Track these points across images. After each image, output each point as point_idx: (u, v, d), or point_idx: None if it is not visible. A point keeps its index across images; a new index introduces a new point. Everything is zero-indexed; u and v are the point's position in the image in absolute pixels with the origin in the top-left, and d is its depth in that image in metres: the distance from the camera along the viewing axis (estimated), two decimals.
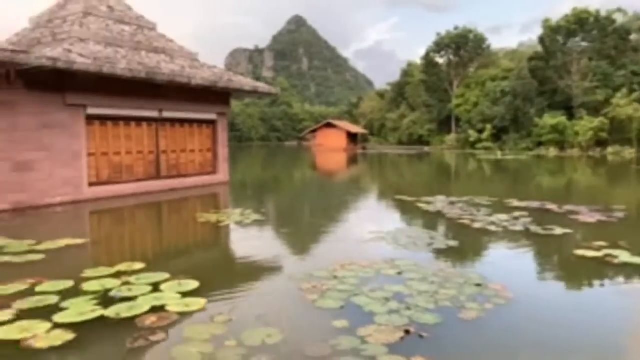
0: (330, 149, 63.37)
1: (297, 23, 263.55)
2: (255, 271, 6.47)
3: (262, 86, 18.34)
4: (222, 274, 6.37)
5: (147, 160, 14.60)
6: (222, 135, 17.29)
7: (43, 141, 11.73)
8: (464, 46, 69.16)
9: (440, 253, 7.08)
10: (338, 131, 69.15)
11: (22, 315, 4.45)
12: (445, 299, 4.95)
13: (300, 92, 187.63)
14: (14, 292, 5.09)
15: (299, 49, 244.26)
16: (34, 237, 7.87)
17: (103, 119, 13.28)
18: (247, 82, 17.32)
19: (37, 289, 5.22)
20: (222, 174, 17.27)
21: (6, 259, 6.51)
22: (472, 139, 60.22)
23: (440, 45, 71.11)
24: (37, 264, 6.37)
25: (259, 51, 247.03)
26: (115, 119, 13.63)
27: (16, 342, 3.89)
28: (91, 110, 12.82)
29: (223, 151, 17.31)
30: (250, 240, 8.55)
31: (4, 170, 10.88)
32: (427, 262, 6.54)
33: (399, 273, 5.89)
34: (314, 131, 75.86)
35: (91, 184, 12.88)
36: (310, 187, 20.63)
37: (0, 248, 7.09)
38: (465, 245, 7.79)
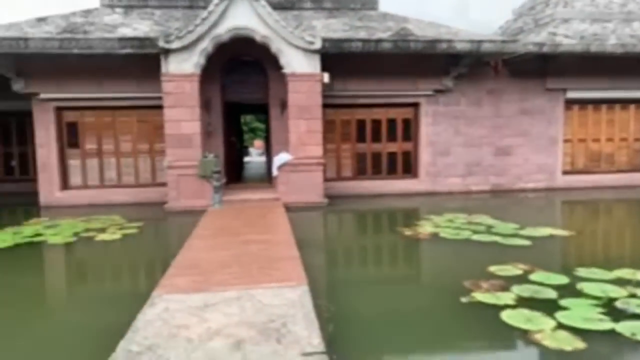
0: None
1: None
2: None
3: None
4: None
5: (631, 148, 12.53)
6: None
7: (521, 127, 11.97)
8: None
9: None
10: None
11: (522, 302, 4.32)
12: None
13: None
14: (510, 275, 5.11)
15: None
16: (515, 220, 7.98)
17: (583, 102, 12.26)
18: None
19: (531, 277, 5.05)
20: None
21: (496, 238, 6.80)
22: None
23: None
24: (524, 249, 6.30)
25: None
26: (596, 102, 12.32)
27: (522, 332, 3.74)
28: (571, 94, 12.05)
29: None
30: None
31: (488, 154, 11.82)
32: None
33: None
34: None
35: (565, 172, 12.23)
36: None
37: (489, 227, 7.55)
38: None
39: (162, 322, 3.44)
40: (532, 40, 10.99)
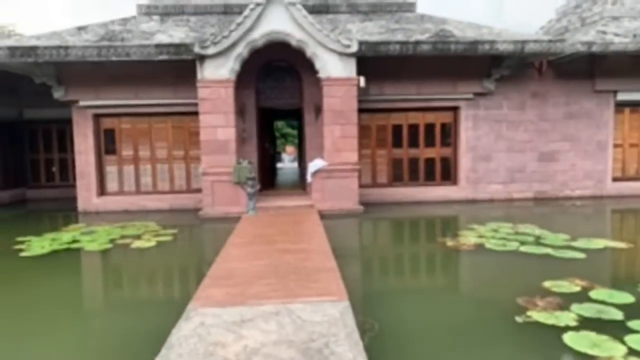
0: None
1: None
2: None
3: None
4: None
5: None
6: None
7: (567, 131, 11.37)
8: None
9: None
10: None
11: (584, 323, 3.93)
12: None
13: None
14: (567, 292, 4.70)
15: None
16: (565, 230, 7.49)
17: (635, 105, 11.54)
18: None
19: (592, 294, 4.62)
20: None
21: (546, 250, 6.34)
22: None
23: None
24: (579, 263, 5.85)
25: None
26: None
27: (589, 358, 3.36)
28: (622, 96, 11.38)
29: None
30: None
31: (531, 160, 11.27)
32: None
33: None
34: None
35: (615, 179, 11.53)
36: None
37: (538, 238, 7.09)
38: None
39: (197, 339, 3.26)
40: (580, 39, 10.42)
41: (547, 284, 4.92)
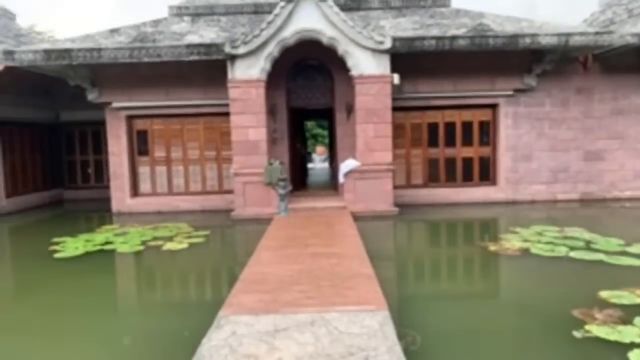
0: None
1: None
2: None
3: None
4: None
5: None
6: None
7: (615, 129, 10.72)
8: None
9: None
10: None
11: None
12: None
13: None
14: (628, 304, 4.28)
15: None
16: (617, 235, 6.97)
17: None
18: None
19: None
20: None
21: (599, 257, 5.88)
22: None
23: None
24: (637, 271, 5.38)
25: None
26: None
27: None
28: None
29: None
30: None
31: (576, 159, 10.68)
32: None
33: None
34: None
35: None
36: None
37: (588, 242, 6.61)
38: None
39: (228, 350, 3.06)
40: (630, 31, 9.78)
41: (604, 294, 4.51)
